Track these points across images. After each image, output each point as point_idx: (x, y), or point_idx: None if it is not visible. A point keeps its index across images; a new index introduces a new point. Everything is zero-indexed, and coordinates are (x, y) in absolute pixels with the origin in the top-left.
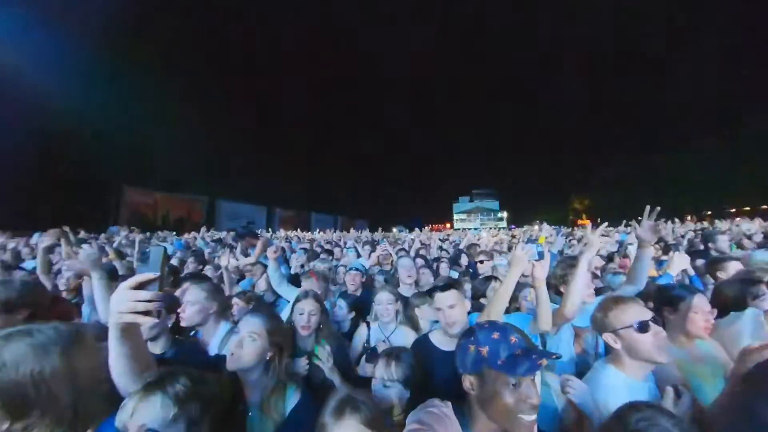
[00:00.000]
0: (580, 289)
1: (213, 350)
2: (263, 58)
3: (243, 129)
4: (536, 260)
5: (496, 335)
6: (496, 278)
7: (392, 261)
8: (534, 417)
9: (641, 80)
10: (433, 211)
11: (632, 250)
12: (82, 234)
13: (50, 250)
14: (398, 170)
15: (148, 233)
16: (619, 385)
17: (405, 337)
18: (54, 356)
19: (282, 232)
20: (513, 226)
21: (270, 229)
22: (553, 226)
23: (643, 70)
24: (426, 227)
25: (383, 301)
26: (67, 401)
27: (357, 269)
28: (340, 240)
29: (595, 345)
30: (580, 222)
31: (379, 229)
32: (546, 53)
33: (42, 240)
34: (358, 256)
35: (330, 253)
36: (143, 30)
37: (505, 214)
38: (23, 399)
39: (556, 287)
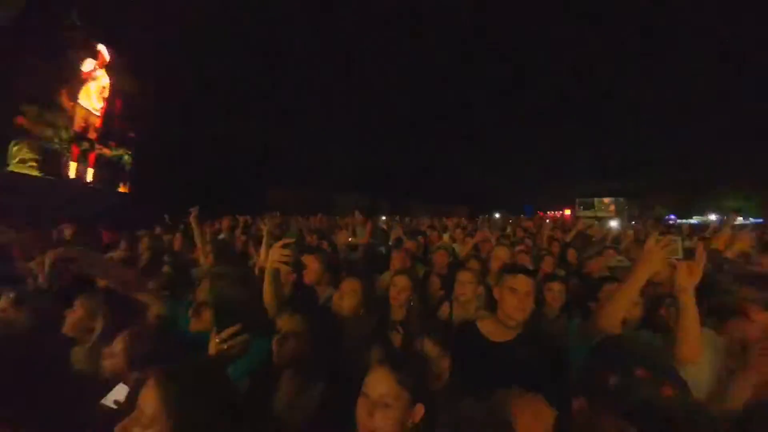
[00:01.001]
0: None
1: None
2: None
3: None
4: (678, 259)
5: (620, 359)
6: (614, 279)
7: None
8: None
9: None
10: (553, 196)
11: None
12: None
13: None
14: (506, 144)
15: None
16: None
17: None
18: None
19: (383, 218)
20: (671, 217)
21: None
22: (754, 219)
23: None
24: (544, 215)
25: (464, 281)
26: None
27: (444, 249)
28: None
29: None
30: None
31: (481, 217)
32: None
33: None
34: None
35: (424, 235)
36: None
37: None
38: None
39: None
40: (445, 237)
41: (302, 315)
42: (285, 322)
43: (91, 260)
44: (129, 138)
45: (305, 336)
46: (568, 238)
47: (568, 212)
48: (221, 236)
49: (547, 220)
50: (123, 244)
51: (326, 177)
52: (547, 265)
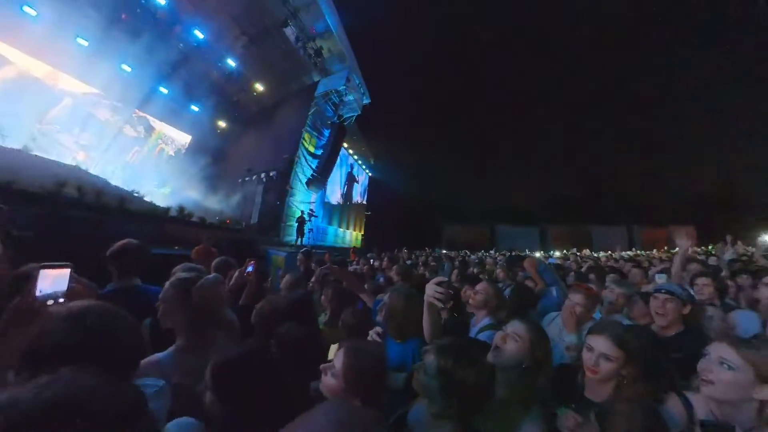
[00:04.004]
0: None
1: (471, 333)
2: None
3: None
4: None
5: None
6: None
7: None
8: None
9: None
10: None
11: None
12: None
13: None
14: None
15: (453, 252)
16: None
17: None
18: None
19: (556, 253)
20: None
21: (542, 250)
22: None
23: None
24: None
25: (714, 359)
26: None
27: (671, 292)
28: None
29: None
30: None
31: (729, 241)
32: None
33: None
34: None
35: (621, 273)
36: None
37: None
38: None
39: None
40: (659, 281)
41: (441, 354)
42: (425, 357)
43: (341, 272)
44: (366, 207)
45: (437, 380)
46: None
47: None
48: (408, 261)
49: None
50: (360, 263)
51: (490, 210)
52: None
